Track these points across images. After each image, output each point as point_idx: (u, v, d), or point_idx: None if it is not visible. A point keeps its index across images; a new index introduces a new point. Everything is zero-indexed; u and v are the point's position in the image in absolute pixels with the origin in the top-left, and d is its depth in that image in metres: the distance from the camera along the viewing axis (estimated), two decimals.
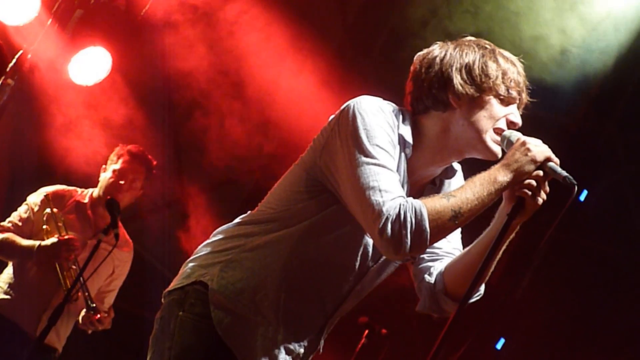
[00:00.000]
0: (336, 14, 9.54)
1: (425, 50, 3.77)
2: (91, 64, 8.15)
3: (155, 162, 7.31)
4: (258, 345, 3.66)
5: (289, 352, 3.74)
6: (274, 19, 8.62)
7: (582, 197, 9.82)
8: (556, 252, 10.00)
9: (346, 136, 3.49)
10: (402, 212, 3.32)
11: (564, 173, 3.39)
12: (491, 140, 3.62)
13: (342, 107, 3.59)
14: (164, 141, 9.33)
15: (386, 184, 3.38)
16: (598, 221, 9.81)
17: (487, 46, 3.69)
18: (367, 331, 8.81)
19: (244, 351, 3.64)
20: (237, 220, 3.83)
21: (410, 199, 3.38)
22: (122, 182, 7.07)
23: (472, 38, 3.75)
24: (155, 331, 3.71)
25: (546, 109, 9.27)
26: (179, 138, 10.10)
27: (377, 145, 3.44)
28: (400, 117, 3.64)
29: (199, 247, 3.85)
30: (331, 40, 9.46)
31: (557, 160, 3.46)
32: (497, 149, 3.63)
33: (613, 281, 9.66)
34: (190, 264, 3.77)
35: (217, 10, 8.49)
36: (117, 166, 7.12)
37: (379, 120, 3.50)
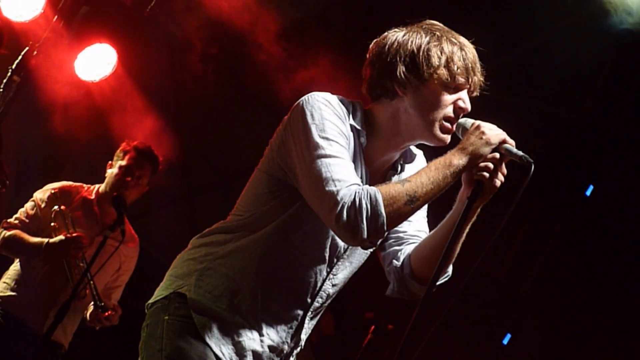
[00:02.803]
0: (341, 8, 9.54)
1: (380, 36, 3.79)
2: (97, 61, 8.16)
3: (161, 158, 7.33)
4: (243, 345, 3.72)
5: (272, 349, 3.81)
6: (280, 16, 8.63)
7: (589, 192, 9.83)
8: (562, 247, 10.01)
9: (297, 133, 3.55)
10: (357, 199, 3.36)
11: (520, 153, 3.44)
12: (438, 128, 3.65)
13: (293, 106, 3.64)
14: (169, 137, 9.34)
15: (339, 174, 3.42)
16: (604, 216, 9.80)
17: (437, 32, 3.69)
18: (373, 327, 8.82)
19: (230, 352, 3.70)
20: (209, 229, 3.89)
21: (365, 185, 3.43)
22: (128, 178, 7.08)
23: (428, 22, 3.76)
24: (143, 338, 3.76)
25: (553, 104, 9.34)
26: (185, 133, 10.10)
27: (327, 138, 3.49)
28: (351, 108, 3.69)
29: (177, 257, 3.91)
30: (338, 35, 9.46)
31: (512, 142, 3.50)
32: (444, 137, 3.67)
33: (620, 276, 9.65)
34: (168, 275, 3.85)
35: (222, 6, 8.49)
36: (124, 162, 7.12)
37: (327, 114, 3.55)
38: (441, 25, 3.74)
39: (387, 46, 3.69)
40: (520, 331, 10.27)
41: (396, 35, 3.71)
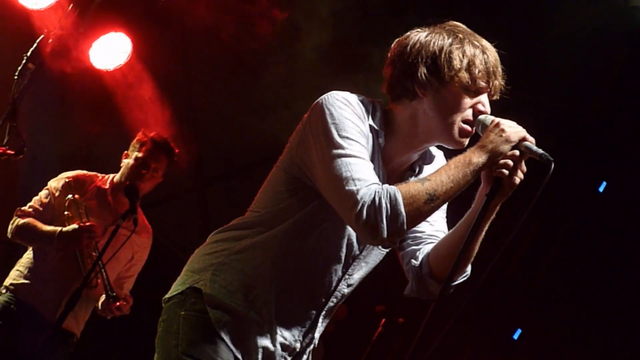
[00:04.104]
0: None
1: (403, 35, 3.78)
2: (111, 49, 8.16)
3: (177, 150, 7.32)
4: (255, 342, 3.72)
5: (285, 348, 3.81)
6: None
7: (601, 189, 9.81)
8: (574, 243, 9.99)
9: (317, 132, 3.54)
10: (376, 198, 3.35)
11: (540, 151, 3.41)
12: (457, 131, 3.64)
13: (313, 105, 3.63)
14: (183, 127, 9.34)
15: (359, 173, 3.41)
16: (616, 212, 9.79)
17: (459, 34, 3.67)
18: (384, 320, 8.82)
19: (242, 348, 3.70)
20: (227, 225, 3.90)
21: (385, 185, 3.42)
22: (144, 170, 7.07)
23: (452, 23, 3.75)
24: (159, 333, 3.78)
25: (566, 100, 9.32)
26: (199, 123, 10.11)
27: (347, 137, 3.49)
28: (370, 107, 3.68)
29: (194, 252, 3.93)
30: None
31: (532, 139, 3.48)
32: (462, 140, 3.66)
33: (633, 272, 9.64)
34: (185, 270, 3.86)
35: None
36: (140, 154, 7.12)
37: (346, 113, 3.54)
38: (464, 27, 3.73)
39: (409, 46, 3.68)
40: (531, 326, 10.27)
41: (419, 35, 3.70)
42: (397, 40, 3.79)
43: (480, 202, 3.57)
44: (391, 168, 3.75)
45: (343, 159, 3.44)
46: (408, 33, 3.75)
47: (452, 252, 3.67)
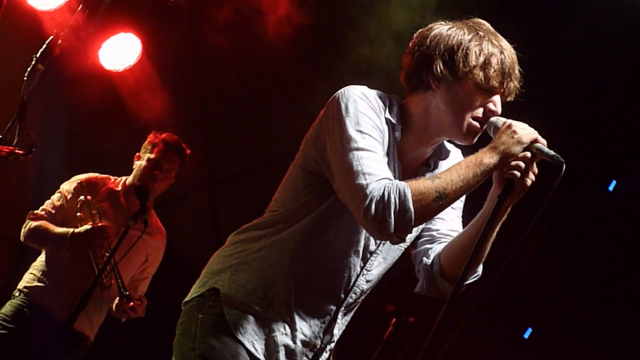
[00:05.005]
0: None
1: (426, 27, 3.79)
2: (121, 50, 8.17)
3: (188, 151, 7.32)
4: (275, 341, 3.73)
5: (305, 344, 3.82)
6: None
7: (611, 188, 9.78)
8: (584, 242, 9.97)
9: (332, 126, 3.57)
10: (385, 193, 3.36)
11: (552, 152, 3.43)
12: (465, 127, 3.65)
13: (330, 99, 3.65)
14: (193, 127, 9.34)
15: (370, 168, 3.43)
16: (627, 211, 9.76)
17: (480, 31, 3.68)
18: (394, 319, 8.81)
19: (263, 349, 3.71)
20: (246, 225, 3.91)
21: (395, 180, 3.44)
22: (157, 172, 7.08)
23: (475, 20, 3.76)
24: (177, 336, 3.79)
25: (576, 98, 9.29)
26: (208, 123, 10.11)
27: (361, 131, 3.50)
28: (387, 101, 3.70)
29: (214, 255, 3.94)
30: None
31: (544, 141, 3.49)
32: (470, 137, 3.67)
33: None
34: (204, 273, 3.87)
35: None
36: (153, 155, 7.12)
37: (362, 107, 3.56)
38: (487, 25, 3.74)
39: (429, 38, 3.69)
40: (541, 325, 10.24)
41: (440, 28, 3.70)
42: (420, 30, 3.80)
43: (492, 204, 3.58)
44: (407, 162, 3.76)
45: (355, 152, 3.46)
46: (431, 24, 3.76)
47: (463, 252, 3.68)
